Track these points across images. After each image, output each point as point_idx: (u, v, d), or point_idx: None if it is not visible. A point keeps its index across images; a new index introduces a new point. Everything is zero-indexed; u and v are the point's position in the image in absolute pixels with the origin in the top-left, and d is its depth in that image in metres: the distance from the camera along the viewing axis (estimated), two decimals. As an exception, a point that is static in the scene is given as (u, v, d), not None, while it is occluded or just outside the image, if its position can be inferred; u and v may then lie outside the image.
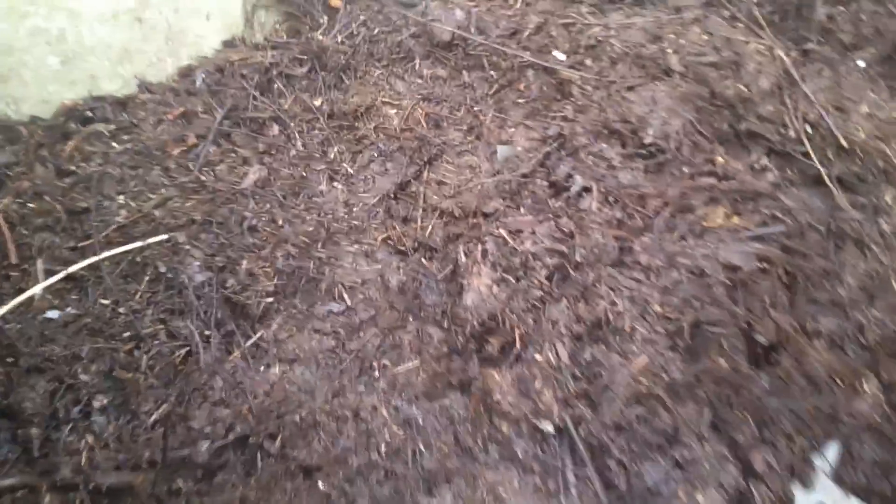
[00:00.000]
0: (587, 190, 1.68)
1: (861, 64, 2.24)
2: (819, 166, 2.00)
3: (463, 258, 1.64)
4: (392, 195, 1.95)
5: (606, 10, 2.17)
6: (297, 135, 2.01)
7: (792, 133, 2.03)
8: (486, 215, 1.77)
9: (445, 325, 1.67)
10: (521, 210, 1.73)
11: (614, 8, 2.16)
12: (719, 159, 1.84)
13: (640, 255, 1.58)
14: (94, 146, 1.82)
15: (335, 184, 1.98)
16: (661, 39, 2.07)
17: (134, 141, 1.88)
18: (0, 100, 1.80)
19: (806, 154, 1.99)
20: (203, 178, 1.86)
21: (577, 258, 1.57)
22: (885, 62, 2.24)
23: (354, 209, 1.93)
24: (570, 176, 1.71)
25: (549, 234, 1.59)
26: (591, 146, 1.77)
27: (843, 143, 2.01)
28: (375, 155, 2.01)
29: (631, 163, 1.77)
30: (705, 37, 2.12)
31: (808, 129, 2.07)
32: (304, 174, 1.95)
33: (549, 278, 1.56)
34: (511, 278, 1.58)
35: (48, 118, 1.89)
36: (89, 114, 1.90)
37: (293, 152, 1.98)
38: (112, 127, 1.88)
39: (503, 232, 1.65)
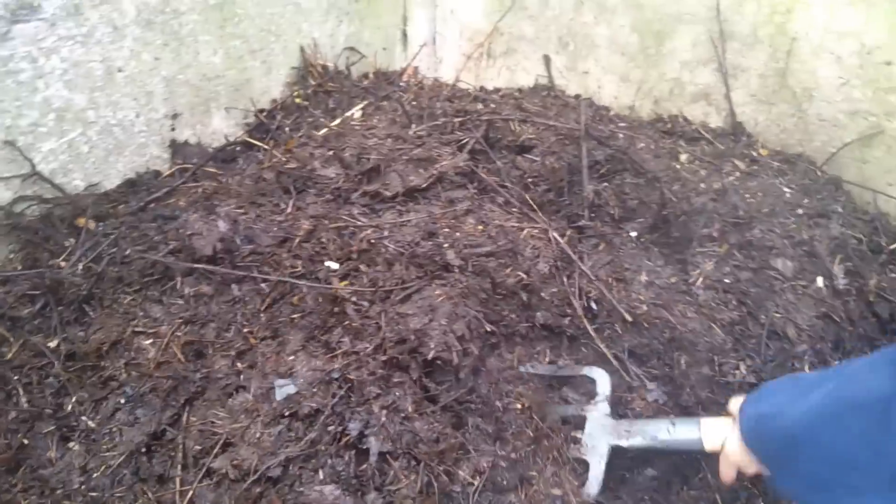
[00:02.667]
0: (387, 455, 1.48)
1: (633, 234, 2.32)
2: (604, 348, 1.98)
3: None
4: (143, 449, 1.64)
5: (379, 209, 2.10)
6: (21, 390, 1.67)
7: (579, 313, 2.01)
8: (273, 480, 1.47)
9: None
10: (321, 475, 1.46)
11: (387, 207, 2.10)
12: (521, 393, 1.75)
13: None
14: None
15: (71, 445, 1.64)
16: (435, 235, 2.01)
17: None
18: None
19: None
20: None
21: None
22: (654, 230, 2.35)
23: (94, 475, 1.59)
24: (363, 435, 1.49)
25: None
26: (383, 395, 1.57)
27: (627, 316, 2.01)
28: (122, 401, 1.71)
29: (427, 407, 1.59)
30: (480, 227, 2.10)
31: (594, 306, 2.07)
32: (26, 440, 1.60)
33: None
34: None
35: None
36: None
37: (12, 414, 1.63)
38: None
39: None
